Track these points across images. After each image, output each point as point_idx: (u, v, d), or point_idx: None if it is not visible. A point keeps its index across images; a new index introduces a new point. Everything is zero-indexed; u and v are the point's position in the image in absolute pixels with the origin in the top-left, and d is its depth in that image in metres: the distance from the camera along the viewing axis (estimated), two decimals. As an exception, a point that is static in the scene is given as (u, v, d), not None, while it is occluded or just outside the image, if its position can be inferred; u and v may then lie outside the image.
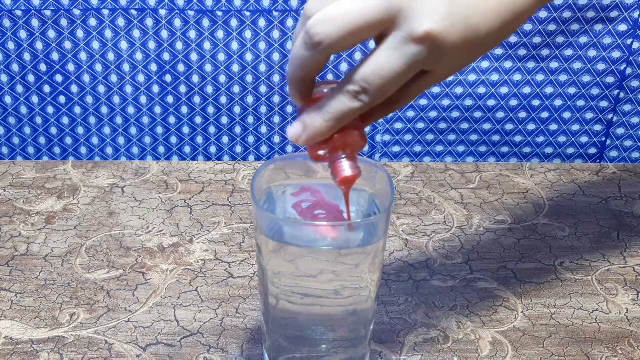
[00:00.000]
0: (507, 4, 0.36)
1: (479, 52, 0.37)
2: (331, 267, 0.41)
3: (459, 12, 0.34)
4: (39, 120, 0.81)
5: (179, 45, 0.76)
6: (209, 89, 0.79)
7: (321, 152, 0.39)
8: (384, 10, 0.34)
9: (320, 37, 0.34)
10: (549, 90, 0.80)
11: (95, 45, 0.76)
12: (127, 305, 0.56)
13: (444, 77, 0.38)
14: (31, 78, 0.78)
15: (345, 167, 0.38)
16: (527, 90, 0.80)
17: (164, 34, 0.76)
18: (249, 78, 0.79)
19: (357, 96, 0.35)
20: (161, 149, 0.83)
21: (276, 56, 0.77)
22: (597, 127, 0.83)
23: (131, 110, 0.80)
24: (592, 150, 0.85)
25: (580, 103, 0.81)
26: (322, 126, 0.36)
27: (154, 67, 0.78)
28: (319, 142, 0.38)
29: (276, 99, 0.80)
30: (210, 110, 0.81)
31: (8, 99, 0.79)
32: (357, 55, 0.78)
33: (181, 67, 0.78)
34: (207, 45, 0.76)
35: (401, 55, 0.34)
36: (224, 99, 0.80)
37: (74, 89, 0.79)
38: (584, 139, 0.84)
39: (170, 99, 0.80)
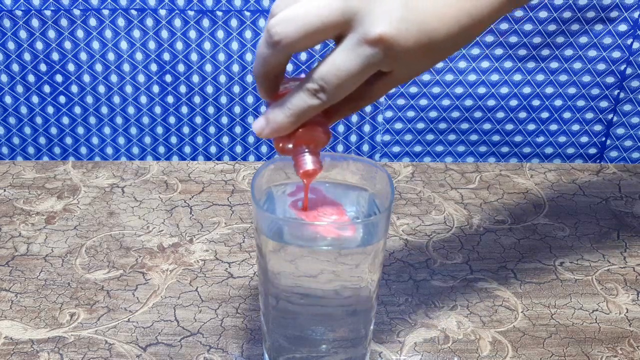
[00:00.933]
0: (467, 9, 0.36)
1: (438, 56, 0.38)
2: (331, 267, 0.41)
3: (414, 17, 0.35)
4: (39, 120, 0.81)
5: (179, 45, 0.76)
6: (209, 89, 0.79)
7: (286, 146, 0.40)
8: (340, 13, 0.35)
9: (279, 36, 0.35)
10: (549, 90, 0.80)
11: (95, 45, 0.76)
12: (127, 305, 0.56)
13: (404, 79, 0.39)
14: (31, 78, 0.78)
15: (307, 161, 0.40)
16: (527, 90, 0.80)
17: (164, 34, 0.76)
18: (249, 78, 0.79)
19: (316, 94, 0.36)
20: (161, 149, 0.83)
21: (276, 56, 0.77)
22: (597, 127, 0.83)
23: (131, 110, 0.80)
24: (592, 150, 0.85)
25: (580, 103, 0.81)
26: (283, 121, 0.38)
27: (154, 67, 0.78)
28: (284, 136, 0.39)
29: (276, 99, 0.80)
30: (210, 110, 0.81)
31: (8, 99, 0.79)
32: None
33: (181, 67, 0.78)
34: (207, 45, 0.77)
35: (356, 57, 0.35)
36: (224, 99, 0.80)
37: (74, 89, 0.79)
38: (584, 139, 0.84)
39: (170, 99, 0.80)
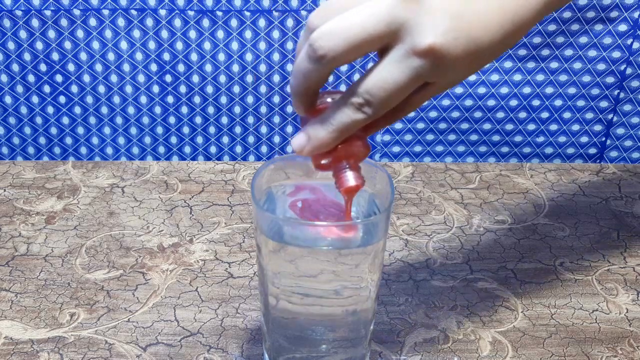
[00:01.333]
0: (509, 16, 0.36)
1: (482, 63, 0.37)
2: (331, 267, 0.41)
3: (462, 26, 0.34)
4: (39, 120, 0.81)
5: (179, 45, 0.76)
6: (209, 89, 0.79)
7: (325, 162, 0.39)
8: (387, 24, 0.34)
9: (323, 50, 0.34)
10: (549, 90, 0.81)
11: (95, 45, 0.76)
12: (127, 305, 0.56)
13: (446, 88, 0.38)
14: (31, 78, 0.78)
15: (349, 177, 0.39)
16: (527, 90, 0.80)
17: (164, 34, 0.76)
18: (249, 78, 0.79)
19: (361, 108, 0.36)
20: (161, 149, 0.83)
21: (276, 56, 0.77)
22: (597, 127, 0.83)
23: (131, 110, 0.80)
24: (592, 150, 0.85)
25: (580, 103, 0.81)
26: (325, 137, 0.37)
27: (154, 67, 0.78)
28: (323, 152, 0.38)
29: (276, 99, 0.80)
30: (210, 110, 0.81)
31: (8, 99, 0.79)
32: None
33: (181, 67, 0.78)
34: (207, 45, 0.77)
35: (404, 69, 0.35)
36: (224, 99, 0.80)
37: (74, 89, 0.79)
38: (584, 139, 0.84)
39: (170, 99, 0.80)
